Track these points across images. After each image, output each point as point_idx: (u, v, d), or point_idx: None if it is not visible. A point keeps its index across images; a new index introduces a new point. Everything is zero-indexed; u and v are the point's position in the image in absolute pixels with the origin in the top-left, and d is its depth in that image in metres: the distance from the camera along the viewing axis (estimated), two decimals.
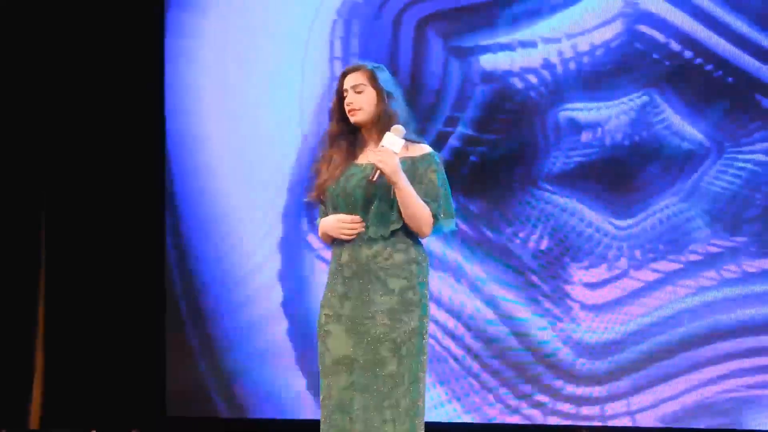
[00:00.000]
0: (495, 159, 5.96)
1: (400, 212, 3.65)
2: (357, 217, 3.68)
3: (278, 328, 6.21)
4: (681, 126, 5.74)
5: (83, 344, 6.37)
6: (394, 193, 3.62)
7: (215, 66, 6.32)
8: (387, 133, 3.60)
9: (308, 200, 3.83)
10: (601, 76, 5.83)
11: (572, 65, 5.86)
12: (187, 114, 6.35)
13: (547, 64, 5.89)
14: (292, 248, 6.22)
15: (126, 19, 6.36)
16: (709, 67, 5.71)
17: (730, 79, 5.68)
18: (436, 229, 3.68)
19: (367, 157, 3.72)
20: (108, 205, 6.39)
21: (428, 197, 3.65)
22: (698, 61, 5.72)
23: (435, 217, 3.66)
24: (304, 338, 6.10)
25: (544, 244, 5.90)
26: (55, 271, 6.41)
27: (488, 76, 5.96)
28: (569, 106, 5.87)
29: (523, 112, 5.92)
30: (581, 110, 5.86)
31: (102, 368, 6.36)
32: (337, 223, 3.70)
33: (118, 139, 6.37)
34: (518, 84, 5.92)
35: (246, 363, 6.28)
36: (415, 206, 3.63)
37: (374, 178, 3.60)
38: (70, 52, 6.39)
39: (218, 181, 6.34)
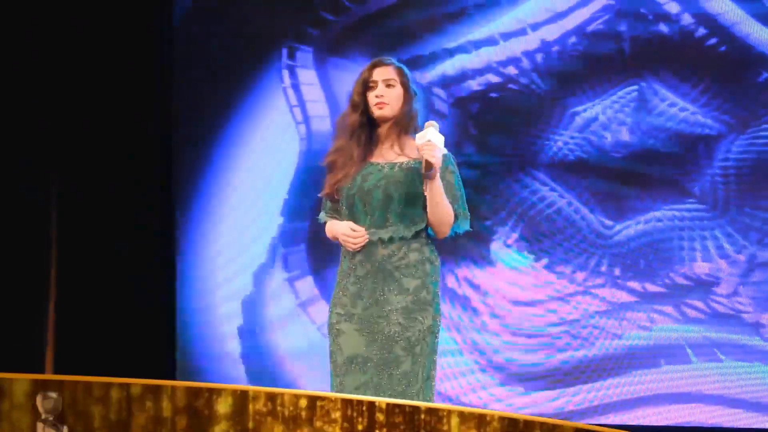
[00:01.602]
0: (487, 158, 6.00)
1: (425, 212, 3.65)
2: (362, 230, 3.66)
3: (290, 327, 6.22)
4: (686, 113, 5.71)
5: (91, 344, 6.38)
6: (421, 193, 3.62)
7: (223, 66, 6.38)
8: (430, 129, 3.58)
9: (322, 195, 3.81)
10: (590, 64, 5.77)
11: (561, 56, 5.79)
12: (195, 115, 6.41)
13: (543, 54, 5.83)
14: (301, 247, 6.27)
15: (132, 18, 6.38)
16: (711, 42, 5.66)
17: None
18: (453, 230, 3.69)
19: (392, 154, 3.69)
20: (117, 203, 6.38)
21: (447, 198, 3.65)
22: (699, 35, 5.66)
23: (455, 217, 3.67)
24: (316, 338, 6.12)
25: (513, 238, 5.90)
26: (64, 272, 6.43)
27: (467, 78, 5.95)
28: (566, 100, 5.83)
29: (515, 103, 5.89)
30: (579, 104, 5.82)
31: (110, 369, 6.37)
32: (345, 230, 3.68)
33: (128, 138, 6.39)
34: (501, 78, 5.87)
35: (251, 363, 6.31)
36: (445, 204, 3.63)
37: (431, 172, 3.56)
38: (79, 54, 6.40)
39: (225, 180, 6.39)
